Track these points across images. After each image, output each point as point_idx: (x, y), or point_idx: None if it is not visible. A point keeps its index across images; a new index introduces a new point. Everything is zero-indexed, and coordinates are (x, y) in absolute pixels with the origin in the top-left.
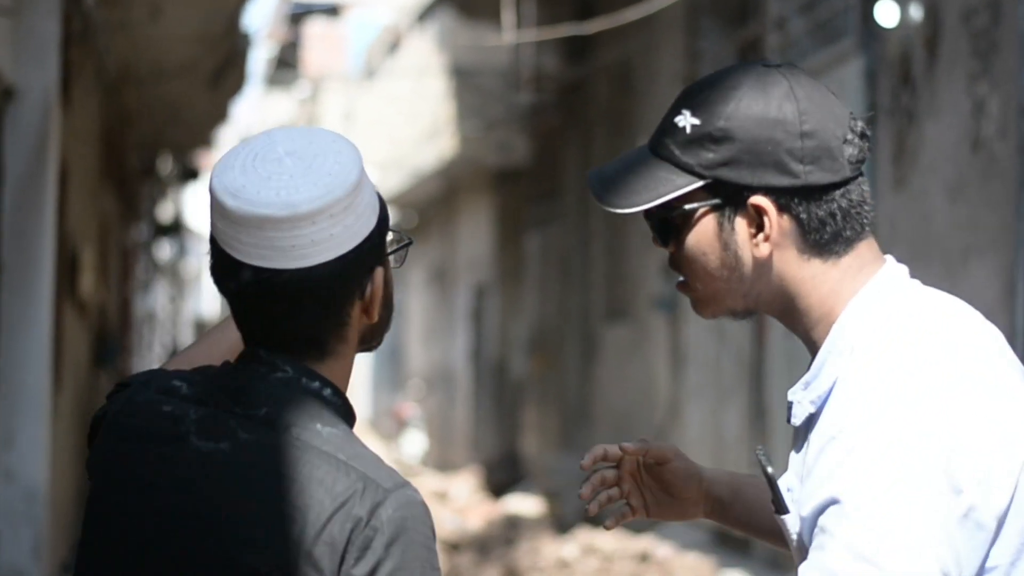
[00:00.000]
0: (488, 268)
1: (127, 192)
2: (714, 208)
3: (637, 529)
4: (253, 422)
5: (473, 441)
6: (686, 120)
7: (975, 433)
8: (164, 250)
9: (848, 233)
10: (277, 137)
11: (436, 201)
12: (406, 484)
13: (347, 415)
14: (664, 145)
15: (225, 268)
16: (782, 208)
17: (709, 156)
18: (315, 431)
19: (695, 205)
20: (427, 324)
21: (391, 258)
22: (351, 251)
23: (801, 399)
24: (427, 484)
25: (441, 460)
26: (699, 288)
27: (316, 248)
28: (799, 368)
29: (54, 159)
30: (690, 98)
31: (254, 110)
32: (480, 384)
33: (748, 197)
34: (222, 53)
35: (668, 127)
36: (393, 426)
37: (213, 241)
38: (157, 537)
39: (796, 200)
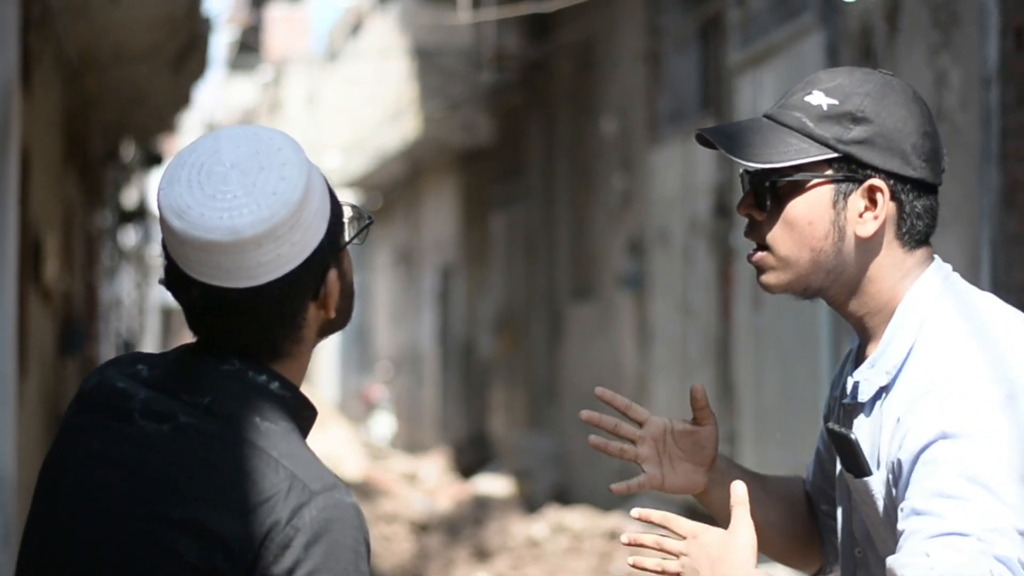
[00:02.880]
0: (454, 249)
1: (90, 178)
2: (835, 182)
3: (607, 507)
4: (196, 409)
5: (441, 422)
6: (821, 99)
7: None
8: (129, 236)
9: (928, 231)
10: (224, 145)
11: (400, 183)
12: (336, 487)
13: (298, 408)
14: (794, 118)
15: (176, 280)
16: (893, 195)
17: (846, 133)
18: (253, 424)
19: (819, 175)
20: (394, 306)
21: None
22: (301, 264)
23: (868, 376)
24: (396, 466)
25: (410, 441)
26: (787, 257)
27: (263, 269)
28: (765, 344)
29: (15, 146)
30: (820, 83)
31: (217, 94)
32: (447, 365)
33: (869, 177)
34: (184, 37)
35: (798, 104)
36: (361, 408)
37: (165, 249)
38: (88, 508)
39: (906, 190)
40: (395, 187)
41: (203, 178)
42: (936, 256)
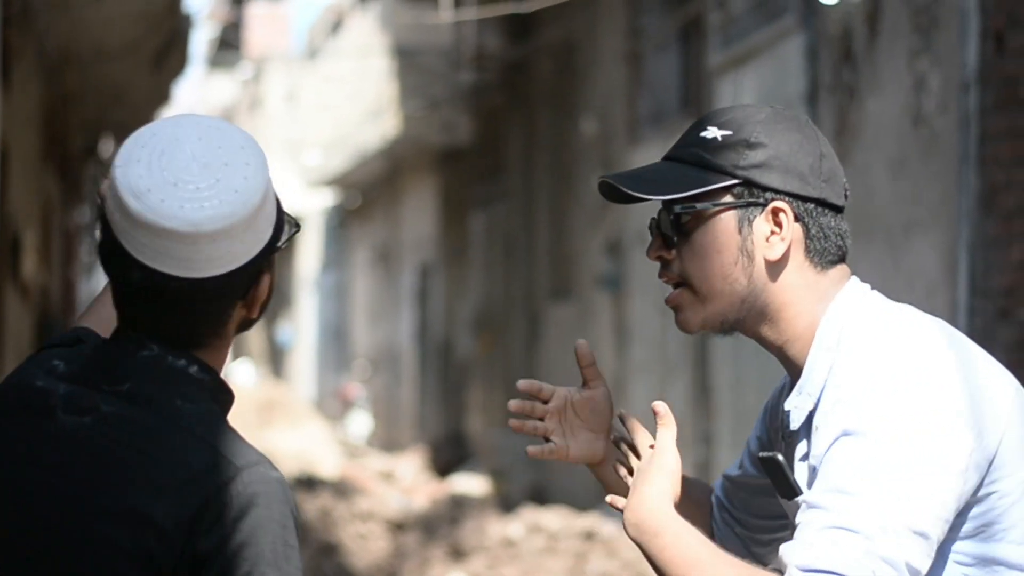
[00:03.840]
0: (433, 248)
1: (70, 174)
2: (737, 208)
3: (583, 507)
4: (117, 397)
5: (418, 421)
6: (715, 132)
7: (971, 387)
8: None
9: (839, 252)
10: (185, 133)
11: (380, 181)
12: (261, 462)
13: (218, 391)
14: (691, 153)
15: (115, 257)
16: (797, 216)
17: (742, 159)
18: (174, 407)
19: (720, 203)
20: (372, 305)
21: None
22: (248, 263)
23: (797, 404)
24: (372, 464)
25: (387, 440)
26: (699, 289)
27: (211, 263)
28: (745, 345)
29: None
30: (713, 119)
31: (196, 91)
32: (425, 364)
33: (771, 201)
34: (164, 34)
35: (694, 140)
36: (338, 407)
37: (107, 225)
38: (17, 509)
39: (810, 210)
40: (374, 186)
41: (164, 162)
42: (853, 276)
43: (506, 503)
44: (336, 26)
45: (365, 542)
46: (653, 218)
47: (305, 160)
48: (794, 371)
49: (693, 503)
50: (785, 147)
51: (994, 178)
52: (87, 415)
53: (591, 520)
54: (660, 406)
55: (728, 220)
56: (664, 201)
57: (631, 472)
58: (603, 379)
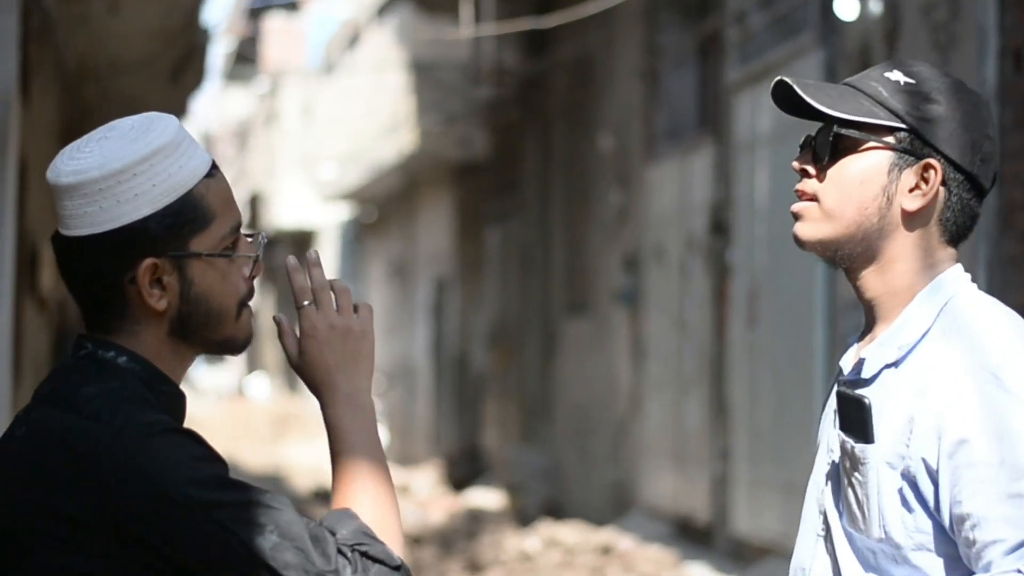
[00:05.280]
0: (448, 262)
1: None
2: (895, 151)
3: (599, 522)
4: (40, 402)
5: (434, 435)
6: (899, 77)
7: None
8: None
9: (963, 233)
10: (130, 121)
11: (396, 196)
12: (150, 421)
13: (153, 380)
14: (871, 86)
15: None
16: (945, 181)
17: (916, 109)
18: (77, 396)
19: (881, 140)
20: (387, 318)
21: (238, 255)
22: (108, 232)
23: (875, 354)
24: None
25: (402, 454)
26: (831, 210)
27: (73, 220)
28: (760, 362)
29: (13, 154)
30: (902, 65)
31: (213, 105)
32: (441, 378)
33: (927, 156)
34: (181, 48)
35: (877, 77)
36: None
37: None
38: None
39: (958, 181)
40: (390, 200)
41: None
42: (960, 263)
43: (522, 517)
44: (353, 40)
45: None
46: (809, 135)
47: (321, 174)
48: (876, 325)
49: None
50: (959, 114)
51: (1013, 196)
52: (22, 428)
53: (607, 535)
54: None
55: (881, 158)
56: (831, 118)
57: None
58: None
